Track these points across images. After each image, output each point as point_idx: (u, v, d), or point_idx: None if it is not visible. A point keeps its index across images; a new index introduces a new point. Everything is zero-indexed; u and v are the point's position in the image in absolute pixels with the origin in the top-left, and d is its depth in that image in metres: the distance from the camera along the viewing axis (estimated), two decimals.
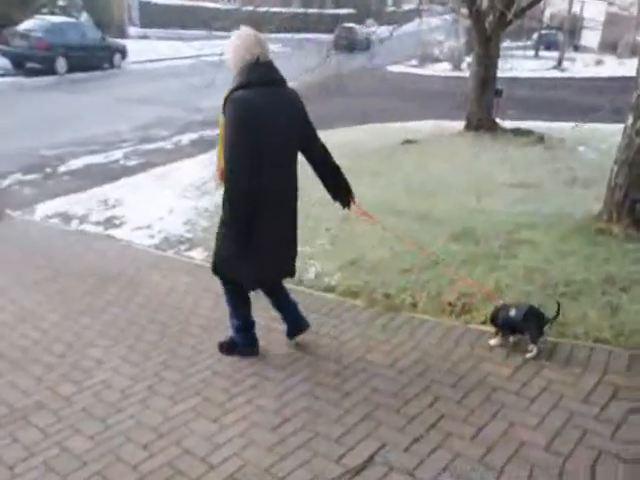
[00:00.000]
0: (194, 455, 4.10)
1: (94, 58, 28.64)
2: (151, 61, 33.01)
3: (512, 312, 5.11)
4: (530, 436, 4.12)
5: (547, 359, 5.00)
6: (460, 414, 4.38)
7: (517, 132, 15.51)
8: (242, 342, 5.26)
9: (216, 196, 10.00)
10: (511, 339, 5.23)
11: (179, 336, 5.65)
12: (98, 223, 9.19)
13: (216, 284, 5.27)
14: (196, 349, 5.43)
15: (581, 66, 41.06)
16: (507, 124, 16.06)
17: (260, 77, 4.43)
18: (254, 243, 4.55)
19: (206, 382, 4.94)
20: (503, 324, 5.21)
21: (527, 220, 8.31)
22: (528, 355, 5.04)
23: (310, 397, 4.66)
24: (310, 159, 4.85)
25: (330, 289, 6.51)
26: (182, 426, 4.40)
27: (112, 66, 29.90)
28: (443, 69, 37.92)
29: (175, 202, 10.03)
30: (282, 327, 5.47)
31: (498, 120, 16.17)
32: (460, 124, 16.29)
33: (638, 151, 7.50)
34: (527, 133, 15.35)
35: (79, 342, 5.62)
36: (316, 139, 4.81)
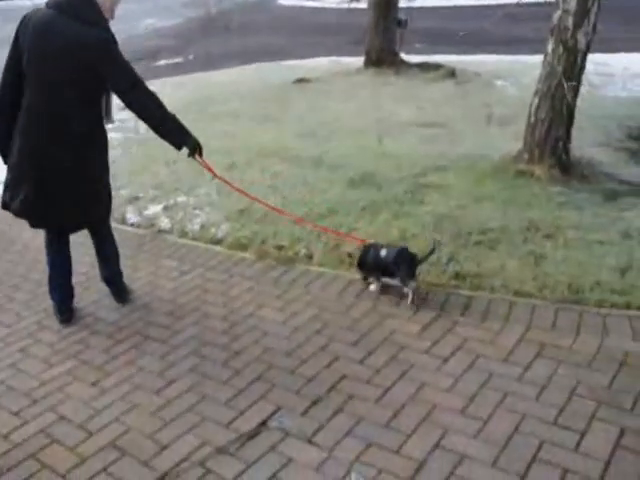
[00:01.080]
0: (71, 421, 4.14)
1: None
2: None
3: (382, 252, 5.31)
4: (443, 398, 4.13)
5: (461, 314, 5.06)
6: (363, 375, 4.42)
7: (424, 67, 15.22)
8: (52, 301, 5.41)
9: None
10: (376, 283, 5.45)
11: None
12: None
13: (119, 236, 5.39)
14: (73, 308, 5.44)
15: None
16: (413, 59, 15.84)
17: (52, 0, 4.75)
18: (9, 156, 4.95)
19: (84, 343, 4.99)
20: (372, 266, 5.39)
21: (435, 162, 8.36)
22: (409, 301, 5.23)
23: (196, 357, 4.74)
24: (130, 109, 4.91)
25: (217, 241, 6.62)
26: (57, 391, 4.43)
27: None
28: (339, 0, 37.78)
29: None
30: (168, 283, 5.58)
31: (402, 54, 15.92)
32: (359, 60, 16.12)
33: (561, 81, 7.39)
34: (436, 67, 15.05)
35: None
36: (128, 89, 4.81)
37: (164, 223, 7.11)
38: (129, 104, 4.84)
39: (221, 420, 4.08)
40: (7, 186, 4.98)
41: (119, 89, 4.80)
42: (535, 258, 5.74)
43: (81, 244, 5.75)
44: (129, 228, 7.18)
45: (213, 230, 6.79)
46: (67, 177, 4.88)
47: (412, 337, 4.82)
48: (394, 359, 4.58)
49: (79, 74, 4.70)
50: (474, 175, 7.79)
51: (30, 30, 4.68)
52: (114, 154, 8.98)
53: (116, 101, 4.88)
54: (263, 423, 4.04)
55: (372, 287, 5.48)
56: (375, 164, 8.36)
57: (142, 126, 10.87)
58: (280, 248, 6.28)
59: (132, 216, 7.41)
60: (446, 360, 4.53)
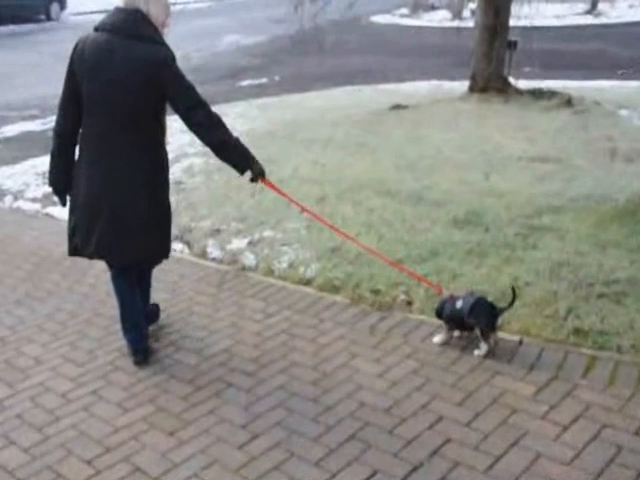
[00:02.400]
0: (146, 473, 4.18)
1: (26, 8, 28.01)
2: (94, 12, 32.48)
3: (458, 304, 5.29)
4: (562, 473, 3.99)
5: (583, 376, 4.89)
6: (470, 439, 4.32)
7: (537, 94, 14.89)
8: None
9: (172, 169, 9.99)
10: (455, 334, 5.46)
11: None
12: (35, 200, 9.27)
13: (174, 273, 5.32)
14: (149, 348, 5.52)
15: (625, 7, 36.65)
16: (523, 84, 15.52)
17: (103, 22, 4.94)
18: (71, 196, 5.20)
19: (160, 387, 5.04)
20: (449, 318, 5.39)
21: (550, 203, 8.17)
22: (476, 352, 5.23)
23: (283, 410, 4.72)
24: (191, 129, 5.06)
25: (306, 282, 6.58)
26: (132, 439, 4.47)
27: (49, 18, 29.33)
28: (440, 19, 37.58)
29: None
30: (252, 325, 5.65)
31: (511, 79, 15.64)
32: (463, 85, 15.97)
33: None
34: (550, 95, 14.72)
35: (13, 337, 5.74)
36: (191, 108, 4.93)
37: (248, 260, 7.11)
38: (190, 125, 4.98)
39: None
40: (75, 228, 5.13)
41: (182, 108, 4.94)
42: None
43: (155, 278, 5.84)
44: (210, 263, 7.23)
45: (302, 269, 6.76)
46: (145, 206, 5.05)
47: (526, 400, 4.68)
48: (505, 423, 4.45)
49: (149, 95, 4.87)
50: (596, 218, 7.59)
51: (87, 57, 4.84)
52: (195, 181, 9.27)
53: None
54: None
55: (436, 339, 5.49)
56: (481, 202, 8.28)
57: None
58: (376, 292, 6.21)
59: (213, 250, 7.44)
60: (566, 428, 4.36)
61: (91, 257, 5.21)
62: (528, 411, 4.56)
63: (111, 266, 5.33)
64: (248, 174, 5.25)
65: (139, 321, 5.42)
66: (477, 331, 5.24)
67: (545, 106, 14.07)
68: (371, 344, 5.48)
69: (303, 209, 6.12)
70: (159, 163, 5.15)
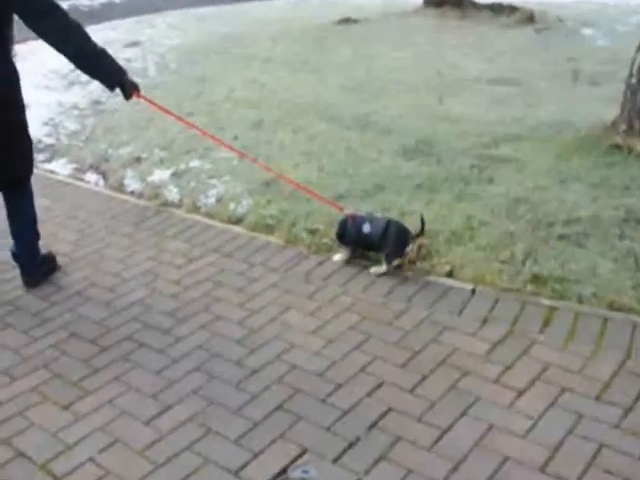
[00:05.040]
0: (31, 460, 3.77)
1: None
2: None
3: (365, 228, 5.35)
4: (517, 448, 3.70)
5: (540, 330, 4.64)
6: (414, 408, 4.02)
7: (495, 9, 14.89)
8: None
9: (90, 87, 9.63)
10: (344, 252, 5.56)
11: None
12: None
13: (86, 209, 5.19)
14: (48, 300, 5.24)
15: None
16: None
17: None
18: None
19: (58, 349, 4.70)
20: (354, 242, 5.48)
21: (508, 130, 7.98)
22: (373, 270, 5.37)
23: (202, 374, 4.36)
24: (47, 40, 4.72)
25: (237, 220, 6.34)
26: (18, 415, 4.10)
27: None
28: None
29: (32, 95, 9.39)
30: (171, 272, 5.47)
31: None
32: None
33: None
34: (510, 10, 14.70)
35: None
36: (41, 15, 4.62)
37: (172, 193, 6.83)
38: (44, 34, 4.64)
39: (228, 465, 3.66)
40: None
41: (31, 15, 4.60)
42: (636, 259, 5.27)
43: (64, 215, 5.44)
44: (128, 197, 6.96)
45: (232, 206, 6.47)
46: None
47: (477, 360, 4.38)
48: (454, 389, 4.14)
49: None
50: (556, 148, 7.36)
51: None
52: (116, 102, 8.90)
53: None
54: (282, 472, 3.63)
55: (337, 257, 5.55)
56: (434, 129, 8.04)
57: (151, 68, 10.88)
58: (314, 232, 5.92)
59: (132, 182, 7.17)
60: (521, 393, 4.08)
61: None
62: (480, 373, 4.27)
63: None
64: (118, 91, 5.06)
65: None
66: (383, 255, 5.31)
67: (505, 23, 13.99)
68: (306, 294, 5.20)
69: (206, 134, 5.99)
70: (10, 80, 4.84)
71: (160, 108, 5.43)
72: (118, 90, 5.08)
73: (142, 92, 5.19)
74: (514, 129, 8.01)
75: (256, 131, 8.00)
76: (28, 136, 5.08)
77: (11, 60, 4.84)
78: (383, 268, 5.31)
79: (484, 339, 4.58)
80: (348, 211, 5.56)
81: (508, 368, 4.30)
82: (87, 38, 4.73)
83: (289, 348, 4.58)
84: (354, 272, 5.41)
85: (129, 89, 5.04)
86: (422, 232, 5.30)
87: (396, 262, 5.31)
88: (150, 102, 5.30)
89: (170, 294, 5.24)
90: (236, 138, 7.75)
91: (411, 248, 5.32)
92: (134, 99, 5.17)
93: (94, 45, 4.76)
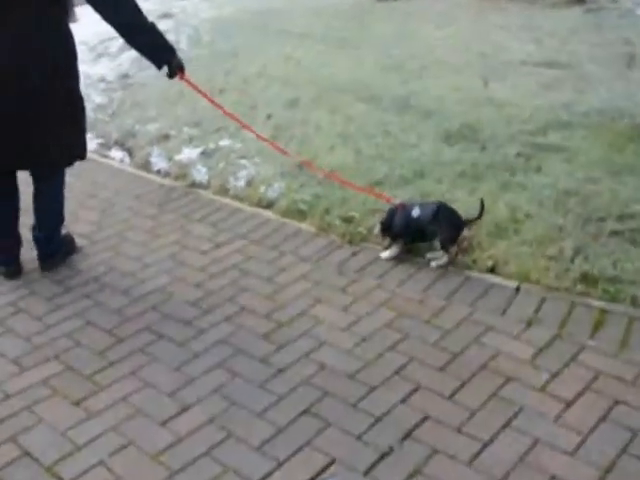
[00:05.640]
0: (38, 461, 3.61)
1: None
2: None
3: (415, 212, 5.14)
4: (565, 467, 3.45)
5: (591, 335, 4.39)
6: (453, 417, 3.79)
7: None
8: None
9: (118, 60, 9.43)
10: (394, 248, 5.27)
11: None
12: None
13: (109, 188, 5.19)
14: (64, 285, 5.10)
15: None
16: None
17: None
18: None
19: (72, 338, 4.55)
20: (402, 229, 5.19)
21: (558, 117, 7.65)
22: (434, 263, 5.11)
23: (224, 372, 4.19)
24: (96, 9, 4.65)
25: (267, 204, 6.15)
26: (26, 410, 3.95)
27: None
28: None
29: None
30: (196, 258, 5.35)
31: None
32: None
33: None
34: None
35: None
36: None
37: (200, 174, 6.67)
38: (94, 2, 4.57)
39: (250, 475, 3.46)
40: None
41: None
42: None
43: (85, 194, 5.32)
44: (154, 177, 6.82)
45: (262, 188, 6.29)
46: (47, 96, 4.68)
47: (522, 364, 4.14)
48: (495, 397, 3.92)
49: None
50: (610, 138, 7.02)
51: None
52: (145, 75, 8.97)
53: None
54: None
55: (385, 254, 5.26)
56: (478, 114, 7.75)
57: (184, 41, 10.69)
58: (349, 221, 5.72)
59: (159, 160, 7.02)
60: (569, 404, 3.83)
61: None
62: (524, 380, 4.03)
63: None
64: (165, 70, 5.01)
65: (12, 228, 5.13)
66: (436, 243, 5.08)
67: (554, 2, 13.38)
68: (339, 286, 4.99)
69: (242, 124, 5.92)
70: (66, 48, 4.80)
71: (199, 92, 5.36)
72: (149, 63, 5.00)
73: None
74: (563, 116, 7.67)
75: (291, 110, 7.83)
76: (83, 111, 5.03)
77: (68, 26, 4.78)
78: (444, 259, 5.08)
79: (529, 342, 4.34)
80: (397, 200, 5.36)
81: (555, 375, 4.06)
82: (138, 10, 4.65)
83: (318, 346, 4.38)
84: (390, 265, 5.21)
85: (175, 68, 4.97)
86: (480, 217, 5.14)
87: (454, 250, 5.12)
88: (193, 86, 5.23)
89: (194, 282, 5.08)
90: (270, 117, 7.64)
91: (468, 234, 5.20)
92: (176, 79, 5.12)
93: (144, 19, 4.69)
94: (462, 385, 4.01)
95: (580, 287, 4.81)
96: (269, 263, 5.28)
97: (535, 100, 8.23)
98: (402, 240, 5.22)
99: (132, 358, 4.29)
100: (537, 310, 4.61)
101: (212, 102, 5.58)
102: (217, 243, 5.56)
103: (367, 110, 7.90)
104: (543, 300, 4.70)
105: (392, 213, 5.24)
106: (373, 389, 4.00)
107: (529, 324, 4.49)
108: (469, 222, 5.15)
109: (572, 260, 5.05)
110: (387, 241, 5.30)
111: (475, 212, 5.14)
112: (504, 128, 7.35)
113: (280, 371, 4.15)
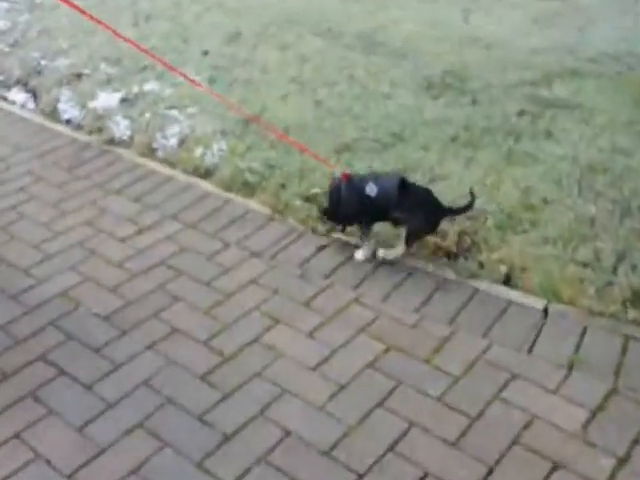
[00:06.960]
0: None
1: None
2: None
3: (369, 189, 4.21)
4: None
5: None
6: None
7: None
8: None
9: None
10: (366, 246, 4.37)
11: None
12: None
13: (5, 142, 5.13)
14: None
15: None
16: None
17: None
18: None
19: None
20: (354, 215, 4.36)
21: (562, 62, 6.95)
22: (381, 253, 4.25)
23: (149, 438, 3.17)
24: None
25: (205, 172, 5.25)
26: None
27: None
28: None
29: None
30: (113, 247, 4.45)
31: None
32: None
33: None
34: None
35: None
36: None
37: (120, 127, 5.78)
38: None
39: None
40: None
41: None
42: None
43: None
44: (62, 128, 5.92)
45: (199, 152, 5.39)
46: None
47: (570, 440, 3.11)
48: None
49: None
50: (630, 90, 6.28)
51: None
52: None
53: None
54: None
55: (359, 254, 4.31)
56: (461, 56, 7.09)
57: None
58: (311, 200, 4.78)
59: (69, 107, 6.13)
60: None
61: None
62: (578, 470, 2.98)
63: None
64: None
65: None
66: (402, 231, 4.20)
67: None
68: (302, 298, 4.05)
69: (169, 67, 5.00)
70: None
71: (85, 14, 4.18)
72: None
73: None
74: (568, 61, 6.97)
75: (232, 46, 7.09)
76: None
77: None
78: (397, 251, 4.21)
79: (576, 401, 3.34)
80: (340, 171, 4.47)
81: (623, 461, 2.99)
82: None
83: (278, 396, 3.41)
84: (368, 268, 4.29)
85: None
86: (469, 208, 4.27)
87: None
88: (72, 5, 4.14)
89: (108, 285, 4.17)
90: (206, 54, 6.91)
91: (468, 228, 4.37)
92: None
93: None
94: (488, 474, 2.94)
95: (631, 313, 3.75)
96: (209, 259, 4.37)
97: (528, 39, 7.62)
98: (357, 225, 4.38)
99: (14, 416, 3.26)
100: (578, 346, 3.57)
101: (118, 35, 4.48)
102: (141, 227, 4.65)
103: (325, 47, 7.21)
104: (584, 331, 3.71)
105: (337, 191, 4.35)
106: (360, 478, 2.96)
107: (570, 369, 3.48)
108: (453, 212, 4.30)
109: (614, 269, 4.11)
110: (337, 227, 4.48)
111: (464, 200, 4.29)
112: (498, 76, 6.62)
113: (225, 440, 3.12)
